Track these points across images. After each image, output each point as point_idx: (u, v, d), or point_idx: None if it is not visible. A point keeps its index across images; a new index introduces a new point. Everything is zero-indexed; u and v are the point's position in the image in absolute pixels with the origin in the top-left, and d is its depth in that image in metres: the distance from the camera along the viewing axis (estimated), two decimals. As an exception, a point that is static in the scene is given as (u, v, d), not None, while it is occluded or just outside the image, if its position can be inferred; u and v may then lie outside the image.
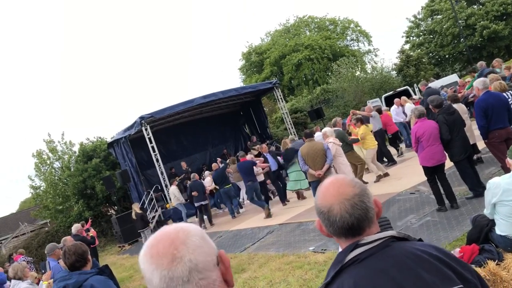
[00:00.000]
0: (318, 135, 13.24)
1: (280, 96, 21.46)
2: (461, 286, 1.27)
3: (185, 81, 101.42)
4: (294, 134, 19.62)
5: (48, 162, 21.05)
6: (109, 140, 21.49)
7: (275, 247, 8.30)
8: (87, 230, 12.21)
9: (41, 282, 6.43)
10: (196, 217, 14.18)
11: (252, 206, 13.23)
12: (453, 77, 21.98)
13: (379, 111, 12.91)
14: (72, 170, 20.21)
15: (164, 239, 1.00)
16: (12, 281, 6.21)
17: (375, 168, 10.45)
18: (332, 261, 1.39)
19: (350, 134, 11.35)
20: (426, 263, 1.30)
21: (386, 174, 10.35)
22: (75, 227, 10.03)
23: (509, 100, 6.55)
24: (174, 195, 15.03)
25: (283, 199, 11.99)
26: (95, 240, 12.00)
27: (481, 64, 11.64)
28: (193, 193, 13.22)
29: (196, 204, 13.45)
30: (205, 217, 13.67)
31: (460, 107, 7.88)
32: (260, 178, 12.02)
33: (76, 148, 21.56)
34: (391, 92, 21.32)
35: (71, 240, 7.35)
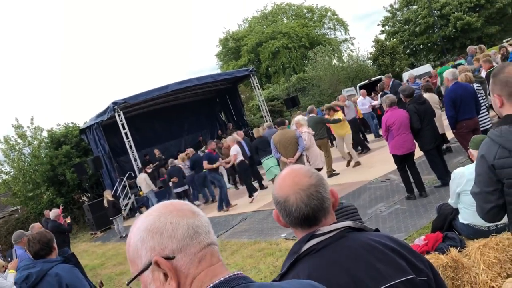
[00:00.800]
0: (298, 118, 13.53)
1: (257, 83, 21.39)
2: (414, 276, 1.29)
3: (161, 67, 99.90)
4: (270, 121, 19.65)
5: (17, 148, 20.51)
6: (81, 126, 21.08)
7: (247, 234, 8.34)
8: (65, 217, 11.97)
9: (7, 270, 6.30)
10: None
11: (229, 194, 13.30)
12: (426, 67, 22.38)
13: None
14: (41, 157, 19.73)
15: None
16: (-23, 269, 6.06)
17: (355, 154, 10.68)
18: (288, 252, 1.40)
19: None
20: (380, 254, 1.31)
21: (358, 163, 10.50)
22: (54, 212, 9.79)
23: (477, 91, 6.70)
24: (146, 182, 14.91)
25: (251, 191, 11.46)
26: (71, 227, 11.84)
27: (470, 49, 12.18)
28: (172, 179, 12.96)
29: (175, 190, 13.17)
30: None
31: (432, 97, 8.01)
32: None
33: (45, 134, 21.05)
34: (366, 81, 21.56)
35: (39, 227, 7.22)
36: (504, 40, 27.44)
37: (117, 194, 16.37)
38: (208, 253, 1.00)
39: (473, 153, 3.69)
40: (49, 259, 3.46)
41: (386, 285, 1.26)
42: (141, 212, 15.96)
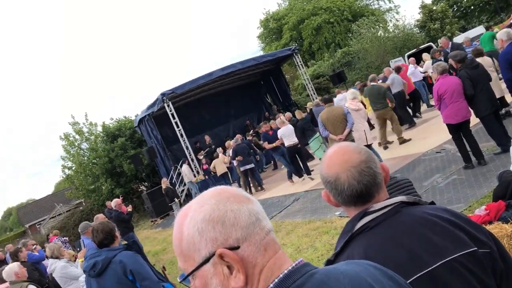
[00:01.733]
0: (340, 99, 13.16)
1: (300, 62, 21.12)
2: (475, 249, 1.23)
3: (205, 56, 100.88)
4: (317, 99, 19.38)
5: (75, 144, 21.56)
6: (133, 118, 21.82)
7: (301, 214, 8.36)
8: (126, 205, 12.50)
9: (77, 259, 6.70)
10: (239, 184, 13.71)
11: (277, 175, 13.35)
12: (479, 29, 21.16)
13: (398, 69, 12.50)
14: (99, 151, 20.66)
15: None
16: (50, 260, 6.48)
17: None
18: (341, 232, 1.38)
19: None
20: (437, 227, 1.27)
21: (405, 140, 10.17)
22: (115, 202, 10.28)
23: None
24: (185, 173, 15.50)
25: (300, 172, 11.26)
26: (131, 215, 12.37)
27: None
28: (237, 158, 12.51)
29: (241, 169, 12.69)
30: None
31: (484, 61, 7.59)
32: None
33: (99, 129, 21.97)
34: (414, 50, 20.71)
35: (102, 218, 7.60)
36: None
37: (173, 181, 16.88)
38: (271, 240, 0.94)
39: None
40: (112, 247, 3.65)
41: (446, 260, 1.21)
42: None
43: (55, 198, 40.53)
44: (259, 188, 12.76)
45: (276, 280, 0.88)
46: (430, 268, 1.21)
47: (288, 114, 14.19)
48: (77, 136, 21.50)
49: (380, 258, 1.17)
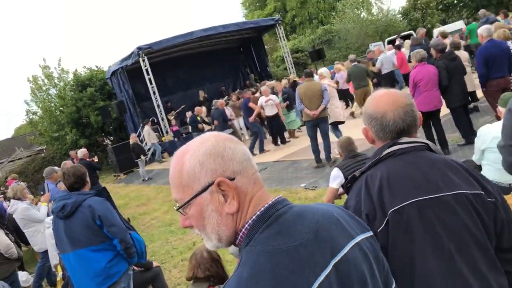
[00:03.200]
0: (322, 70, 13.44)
1: (282, 34, 21.02)
2: (482, 192, 1.42)
3: (185, 13, 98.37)
4: (294, 74, 19.42)
5: (44, 88, 20.89)
6: (106, 69, 21.26)
7: (267, 183, 8.52)
8: (91, 157, 12.39)
9: (39, 203, 6.64)
10: None
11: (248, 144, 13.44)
12: (459, 24, 21.55)
13: (398, 47, 12.76)
14: (67, 99, 20.12)
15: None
16: (12, 201, 6.41)
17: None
18: (371, 155, 1.58)
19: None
20: (454, 168, 1.47)
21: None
22: (82, 152, 10.16)
23: (511, 49, 6.49)
24: (149, 134, 15.51)
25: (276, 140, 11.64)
26: (101, 165, 12.30)
27: (482, 12, 11.64)
28: (214, 122, 12.30)
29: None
30: None
31: (462, 54, 7.80)
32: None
33: (71, 76, 21.32)
34: (394, 36, 20.94)
35: (70, 164, 7.51)
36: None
37: (140, 138, 16.72)
38: (258, 177, 1.09)
39: (502, 110, 3.65)
40: (83, 192, 3.66)
41: (458, 192, 1.40)
42: (163, 157, 16.51)
43: (14, 142, 39.36)
44: None
45: (262, 208, 1.03)
46: (442, 194, 1.40)
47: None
48: (46, 81, 20.82)
49: (400, 177, 1.42)
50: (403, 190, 1.41)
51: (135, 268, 4.36)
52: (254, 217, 1.02)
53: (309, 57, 24.21)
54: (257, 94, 12.51)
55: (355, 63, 10.90)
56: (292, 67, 21.34)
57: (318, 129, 8.05)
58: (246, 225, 1.03)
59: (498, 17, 11.67)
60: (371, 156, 1.58)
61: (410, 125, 1.53)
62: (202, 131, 12.91)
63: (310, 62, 25.04)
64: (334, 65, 14.40)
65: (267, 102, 10.76)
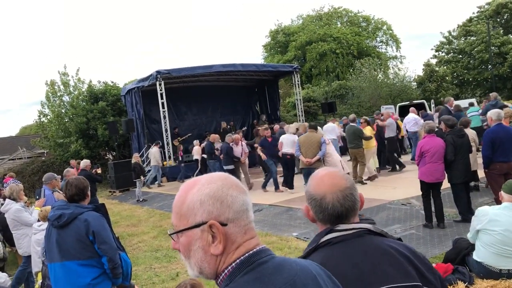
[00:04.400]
0: (330, 126, 13.65)
1: (298, 81, 21.45)
2: (419, 284, 1.42)
3: (206, 45, 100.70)
4: (303, 121, 19.67)
5: (59, 94, 21.21)
6: (120, 85, 21.67)
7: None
8: (95, 167, 12.46)
9: (33, 206, 6.65)
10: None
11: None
12: (467, 102, 21.88)
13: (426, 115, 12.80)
14: (79, 108, 20.38)
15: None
16: (6, 200, 6.43)
17: (371, 168, 10.83)
18: (310, 241, 1.56)
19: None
20: (391, 258, 1.45)
21: (375, 176, 10.89)
22: (84, 162, 10.19)
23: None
24: (155, 156, 15.62)
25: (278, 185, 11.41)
26: (102, 178, 12.29)
27: (494, 95, 11.90)
28: (221, 156, 12.35)
29: (225, 167, 12.15)
30: None
31: (470, 133, 7.95)
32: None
33: (85, 87, 21.68)
34: (407, 102, 21.28)
35: (73, 173, 7.56)
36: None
37: (143, 159, 16.81)
38: (251, 227, 1.15)
39: (504, 195, 3.72)
40: (81, 205, 3.70)
41: (388, 286, 1.39)
42: (161, 181, 16.53)
43: (17, 141, 39.52)
44: None
45: (246, 254, 1.10)
46: None
47: (277, 126, 14.42)
48: (62, 87, 21.16)
49: (333, 270, 1.35)
50: None
51: (117, 289, 4.33)
52: (238, 261, 1.09)
53: (320, 108, 24.58)
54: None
55: (352, 124, 11.10)
56: (302, 114, 21.64)
57: None
58: (229, 267, 1.09)
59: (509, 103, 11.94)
60: (311, 241, 1.56)
61: (349, 209, 1.50)
62: (216, 159, 13.10)
63: (320, 112, 25.39)
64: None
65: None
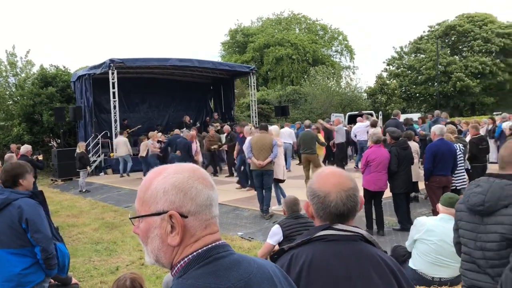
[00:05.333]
0: (287, 131, 13.79)
1: (254, 83, 21.53)
2: None
3: (164, 36, 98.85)
4: (255, 123, 19.77)
5: (4, 74, 20.10)
6: (72, 71, 20.85)
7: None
8: (37, 154, 11.83)
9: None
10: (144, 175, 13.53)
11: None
12: (415, 116, 22.90)
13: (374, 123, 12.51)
14: (26, 91, 19.41)
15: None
16: None
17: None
18: (306, 232, 1.59)
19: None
20: (379, 268, 1.49)
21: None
22: (25, 148, 9.67)
23: (458, 151, 7.00)
24: (127, 146, 15.12)
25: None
26: (44, 164, 11.69)
27: (437, 113, 12.60)
28: (177, 152, 11.94)
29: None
30: None
31: (413, 145, 8.28)
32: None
33: (35, 69, 20.71)
34: (356, 112, 21.93)
35: (15, 159, 7.18)
36: (494, 113, 28.27)
37: (88, 149, 16.24)
38: (213, 223, 1.14)
39: (441, 207, 3.90)
40: (17, 190, 3.52)
41: None
42: (106, 173, 16.04)
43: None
44: None
45: (205, 248, 1.10)
46: None
47: (227, 127, 14.37)
48: (8, 67, 20.07)
49: (321, 267, 1.43)
50: (319, 283, 1.44)
51: (52, 281, 4.15)
52: (195, 253, 1.08)
53: (273, 111, 24.82)
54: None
55: (308, 129, 11.27)
56: (255, 116, 21.76)
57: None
58: (186, 259, 1.08)
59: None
60: (306, 233, 1.59)
61: (350, 210, 1.54)
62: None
63: (273, 116, 25.62)
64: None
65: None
